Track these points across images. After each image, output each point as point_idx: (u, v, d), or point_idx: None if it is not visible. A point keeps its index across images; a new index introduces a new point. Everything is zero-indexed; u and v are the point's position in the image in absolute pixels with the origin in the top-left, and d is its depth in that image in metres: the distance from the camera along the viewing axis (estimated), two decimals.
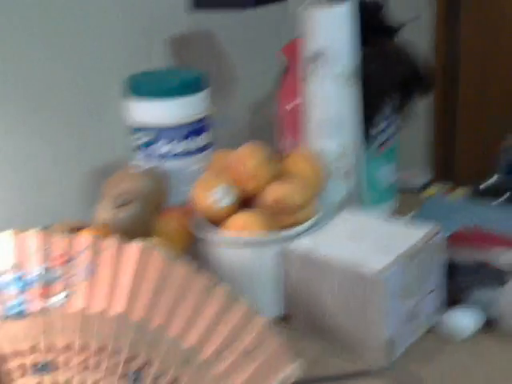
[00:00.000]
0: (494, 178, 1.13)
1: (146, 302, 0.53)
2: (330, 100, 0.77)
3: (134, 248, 0.54)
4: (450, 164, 2.14)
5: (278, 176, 0.74)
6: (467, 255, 0.67)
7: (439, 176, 2.07)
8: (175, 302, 0.54)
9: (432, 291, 0.67)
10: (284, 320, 0.71)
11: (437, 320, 0.68)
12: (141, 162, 0.84)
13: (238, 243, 0.68)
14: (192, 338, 0.55)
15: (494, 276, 0.64)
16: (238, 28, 1.12)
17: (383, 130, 0.90)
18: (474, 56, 2.01)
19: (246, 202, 0.74)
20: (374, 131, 0.88)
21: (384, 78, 0.85)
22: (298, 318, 0.69)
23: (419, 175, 1.43)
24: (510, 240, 0.67)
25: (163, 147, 0.83)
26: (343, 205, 0.80)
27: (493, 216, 0.87)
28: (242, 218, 0.70)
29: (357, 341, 0.64)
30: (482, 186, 1.08)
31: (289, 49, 0.89)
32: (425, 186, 1.38)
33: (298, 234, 0.68)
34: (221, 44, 1.12)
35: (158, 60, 1.02)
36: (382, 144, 0.91)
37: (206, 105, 0.86)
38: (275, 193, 0.69)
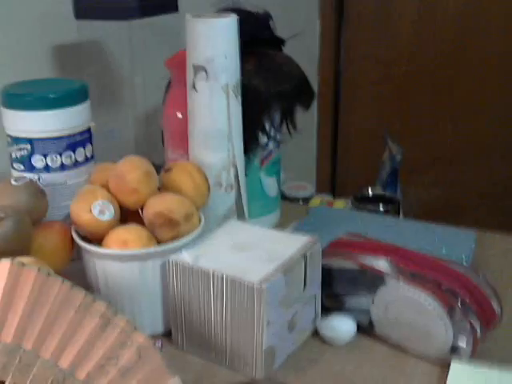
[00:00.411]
0: (372, 191, 1.19)
1: (16, 324, 0.51)
2: (214, 112, 0.78)
3: (3, 267, 0.52)
4: (334, 177, 2.22)
5: (161, 189, 0.73)
6: (344, 263, 0.69)
7: (323, 188, 2.15)
8: (50, 321, 0.53)
9: (311, 299, 0.69)
10: (167, 335, 0.70)
11: (316, 328, 0.70)
12: (19, 176, 0.81)
13: (119, 258, 0.67)
14: (68, 358, 0.54)
15: (367, 283, 0.67)
16: (130, 38, 1.11)
17: (267, 143, 0.92)
18: (355, 71, 2.11)
19: (127, 217, 0.73)
20: (257, 144, 0.90)
21: (267, 90, 0.86)
22: (182, 332, 0.69)
23: (304, 187, 1.47)
24: (385, 247, 0.70)
25: (42, 160, 0.80)
26: (227, 217, 0.81)
27: (371, 225, 0.91)
28: (122, 233, 0.68)
29: (239, 352, 0.64)
30: (359, 197, 1.13)
31: (175, 60, 0.89)
32: (309, 198, 1.42)
33: (181, 247, 0.68)
34: (110, 54, 1.10)
35: (41, 70, 0.99)
36: (264, 157, 0.93)
37: (88, 117, 0.84)
38: (156, 206, 0.69)
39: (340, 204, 1.28)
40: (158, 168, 0.75)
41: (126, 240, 0.67)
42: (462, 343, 0.62)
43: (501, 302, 0.65)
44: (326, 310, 0.71)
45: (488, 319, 0.63)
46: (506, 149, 2.01)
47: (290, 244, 0.69)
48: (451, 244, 0.83)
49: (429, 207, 2.08)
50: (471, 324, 0.61)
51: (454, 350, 0.63)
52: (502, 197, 2.05)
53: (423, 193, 2.08)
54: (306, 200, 1.42)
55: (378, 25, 2.05)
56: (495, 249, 0.90)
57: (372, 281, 0.66)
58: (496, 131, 2.00)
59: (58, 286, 0.55)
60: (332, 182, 2.24)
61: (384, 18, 2.04)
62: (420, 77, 2.04)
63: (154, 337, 0.69)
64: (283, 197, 1.39)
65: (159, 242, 0.69)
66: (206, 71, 0.76)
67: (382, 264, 0.66)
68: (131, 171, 0.70)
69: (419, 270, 0.64)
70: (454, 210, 2.11)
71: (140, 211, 0.71)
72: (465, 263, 0.79)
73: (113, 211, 0.70)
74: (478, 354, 0.64)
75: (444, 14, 1.96)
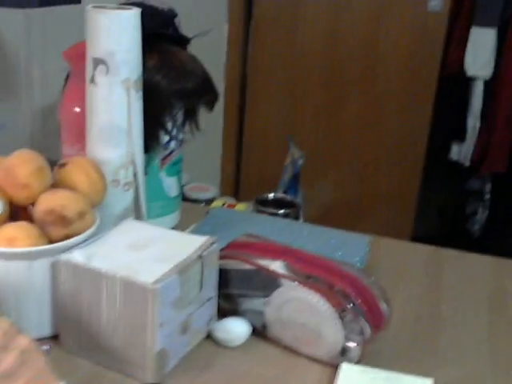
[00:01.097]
0: (273, 195, 1.20)
1: None
2: (113, 107, 0.75)
3: None
4: (239, 180, 2.24)
5: (54, 186, 0.70)
6: (241, 264, 0.69)
7: (227, 191, 2.15)
8: None
9: (207, 301, 0.68)
10: (55, 338, 0.68)
11: (210, 330, 0.70)
12: None
13: (4, 256, 0.63)
14: None
15: (262, 285, 0.67)
16: (27, 28, 1.06)
17: (167, 143, 0.90)
18: (261, 75, 2.13)
19: (18, 214, 0.69)
20: (158, 142, 0.88)
21: (169, 88, 0.85)
22: (71, 334, 0.66)
23: (207, 189, 1.47)
24: (281, 249, 0.70)
25: None
26: (124, 216, 0.79)
27: (271, 227, 0.92)
28: (10, 230, 0.65)
29: (130, 355, 0.63)
30: (260, 200, 1.14)
31: (74, 51, 0.86)
32: (211, 200, 1.42)
33: (73, 246, 0.65)
34: (4, 43, 1.04)
35: None
36: (165, 156, 0.91)
37: None
38: (48, 203, 0.66)
39: (242, 207, 1.28)
40: (54, 164, 0.72)
41: (14, 237, 0.64)
42: (352, 344, 0.63)
43: (390, 305, 0.67)
44: (222, 312, 0.71)
45: (377, 321, 0.65)
46: (400, 154, 2.09)
47: (186, 244, 0.68)
48: (346, 247, 0.85)
49: (330, 210, 2.13)
50: (361, 325, 0.63)
51: (344, 351, 0.64)
52: (398, 199, 2.14)
53: (324, 196, 2.13)
54: (209, 202, 1.42)
55: (285, 30, 2.07)
56: (388, 253, 0.93)
57: (267, 282, 0.66)
58: (395, 135, 2.08)
59: None
60: (236, 186, 2.25)
61: (291, 24, 2.07)
62: (325, 81, 2.08)
63: (40, 340, 0.66)
64: (185, 198, 1.38)
65: (51, 241, 0.66)
66: (106, 65, 0.73)
67: (277, 266, 0.66)
68: (22, 165, 0.67)
69: (313, 271, 0.65)
70: (354, 212, 2.17)
71: (31, 208, 0.68)
72: (358, 266, 0.81)
73: (0, 207, 0.66)
74: (367, 356, 0.65)
75: (353, 18, 2.01)
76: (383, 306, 0.66)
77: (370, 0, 1.99)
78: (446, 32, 1.96)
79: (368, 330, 0.63)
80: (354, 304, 0.63)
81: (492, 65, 1.98)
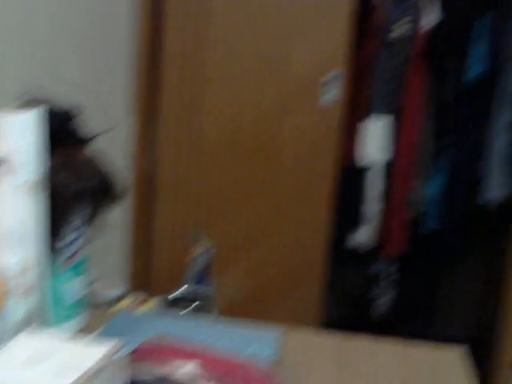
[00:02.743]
0: (184, 288, 1.18)
1: None
2: (10, 211, 0.73)
3: None
4: (147, 274, 2.19)
5: None
6: (149, 371, 0.66)
7: (135, 287, 2.09)
8: None
9: None
10: None
11: None
12: None
13: None
14: None
15: None
16: None
17: (71, 242, 0.88)
18: (170, 171, 2.15)
19: None
20: (60, 244, 0.85)
21: (71, 188, 0.83)
22: None
23: (113, 287, 1.42)
24: (191, 352, 0.68)
25: None
26: (23, 325, 0.74)
27: (181, 326, 0.89)
28: None
29: None
30: (170, 297, 1.11)
31: None
32: (118, 299, 1.37)
33: None
34: None
35: None
36: (69, 257, 0.88)
37: None
38: None
39: (150, 304, 1.25)
40: None
41: None
42: None
43: None
44: None
45: None
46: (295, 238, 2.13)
47: (92, 352, 0.64)
48: (257, 342, 0.84)
49: (239, 300, 2.12)
50: None
51: None
52: (305, 286, 2.16)
53: (234, 285, 2.12)
54: (117, 300, 1.37)
55: (189, 122, 2.11)
56: (299, 344, 0.92)
57: None
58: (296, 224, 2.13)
59: None
60: (146, 279, 2.20)
61: (193, 115, 2.12)
62: (231, 173, 2.12)
63: None
64: (91, 298, 1.32)
65: None
66: (2, 167, 0.71)
67: (190, 368, 0.64)
68: None
69: (221, 374, 0.63)
70: (263, 301, 2.17)
71: None
72: (269, 361, 0.80)
73: None
74: None
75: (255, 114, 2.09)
76: None
77: (269, 94, 2.08)
78: (339, 124, 2.05)
79: None
80: None
81: (386, 151, 2.09)
